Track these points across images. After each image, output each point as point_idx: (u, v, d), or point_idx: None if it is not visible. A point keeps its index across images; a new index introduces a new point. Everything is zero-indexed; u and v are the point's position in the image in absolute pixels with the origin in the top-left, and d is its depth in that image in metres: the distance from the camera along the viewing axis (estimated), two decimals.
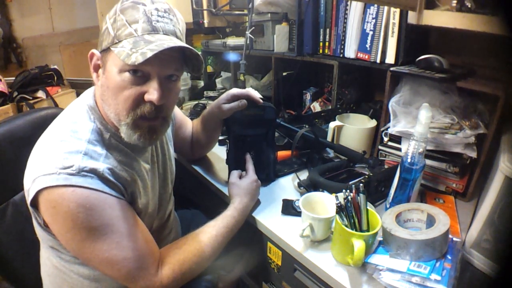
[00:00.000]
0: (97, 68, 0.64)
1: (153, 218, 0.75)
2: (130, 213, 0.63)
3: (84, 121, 0.63)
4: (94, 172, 0.57)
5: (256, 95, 0.88)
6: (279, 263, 0.81)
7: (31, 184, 0.56)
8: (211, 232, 0.71)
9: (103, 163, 0.59)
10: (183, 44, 0.59)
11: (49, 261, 0.71)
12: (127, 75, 0.58)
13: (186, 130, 1.00)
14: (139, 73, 0.59)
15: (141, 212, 0.69)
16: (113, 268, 0.60)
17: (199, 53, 0.62)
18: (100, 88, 0.63)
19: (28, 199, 0.57)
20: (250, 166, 0.85)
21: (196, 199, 0.80)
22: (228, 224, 0.73)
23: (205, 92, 1.77)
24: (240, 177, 0.84)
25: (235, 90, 0.84)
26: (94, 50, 0.63)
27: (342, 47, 1.09)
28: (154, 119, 0.63)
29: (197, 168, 1.06)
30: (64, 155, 0.56)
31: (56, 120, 0.65)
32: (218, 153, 1.15)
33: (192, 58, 0.64)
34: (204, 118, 0.93)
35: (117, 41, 0.58)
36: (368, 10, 0.99)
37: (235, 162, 0.89)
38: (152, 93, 0.59)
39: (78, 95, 0.73)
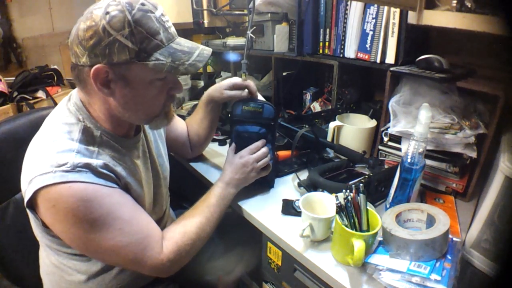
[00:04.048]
0: (107, 83, 0.60)
1: (149, 212, 0.76)
2: (127, 199, 0.64)
3: (73, 121, 0.63)
4: (88, 167, 0.58)
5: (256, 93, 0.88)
6: (279, 263, 0.81)
7: (27, 185, 0.57)
8: (204, 205, 0.77)
9: (96, 159, 0.60)
10: (211, 50, 0.67)
11: (48, 260, 0.72)
12: (158, 83, 0.63)
13: (178, 127, 1.01)
14: (166, 78, 0.64)
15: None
16: (120, 255, 0.61)
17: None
18: (121, 99, 0.62)
19: (25, 200, 0.58)
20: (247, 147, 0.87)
21: (196, 198, 0.81)
22: (220, 195, 0.79)
23: (205, 92, 1.76)
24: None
25: (236, 79, 0.88)
26: (101, 65, 0.57)
27: (342, 47, 1.09)
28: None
29: (196, 167, 1.06)
30: (57, 154, 0.57)
31: (45, 122, 0.66)
32: (218, 153, 1.15)
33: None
34: (204, 102, 0.97)
35: (145, 55, 0.58)
36: (368, 10, 0.99)
37: None
38: (178, 88, 0.68)
39: None
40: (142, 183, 0.72)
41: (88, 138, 0.62)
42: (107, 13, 0.55)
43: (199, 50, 0.63)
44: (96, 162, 0.59)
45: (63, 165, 0.56)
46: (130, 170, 0.68)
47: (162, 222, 0.86)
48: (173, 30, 0.63)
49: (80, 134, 0.61)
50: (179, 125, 1.02)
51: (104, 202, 0.58)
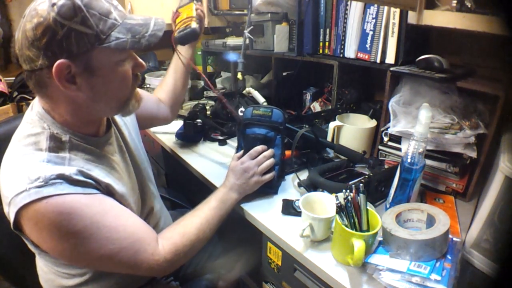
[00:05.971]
0: (72, 78, 0.56)
1: (138, 209, 0.74)
2: (110, 204, 0.61)
3: (38, 130, 0.60)
4: (61, 177, 0.55)
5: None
6: (279, 263, 0.81)
7: (8, 208, 0.55)
8: (205, 207, 0.76)
9: (69, 166, 0.57)
10: (164, 19, 0.65)
11: (45, 267, 0.71)
12: (123, 64, 0.60)
13: (149, 101, 0.98)
14: (128, 58, 0.62)
15: (122, 203, 0.67)
16: (113, 262, 0.60)
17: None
18: (90, 91, 0.59)
19: (11, 224, 0.56)
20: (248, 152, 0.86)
21: (196, 198, 0.81)
22: (221, 199, 0.79)
23: (205, 92, 1.76)
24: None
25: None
26: (62, 61, 0.53)
27: (342, 47, 1.09)
28: None
29: (196, 167, 1.06)
30: (28, 169, 0.55)
31: (12, 137, 0.63)
32: (219, 154, 1.15)
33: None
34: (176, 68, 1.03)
35: (104, 37, 0.55)
36: (368, 10, 0.99)
37: None
38: (141, 65, 0.65)
39: None
40: (124, 179, 0.70)
41: (57, 144, 0.59)
42: (53, 4, 0.51)
43: (153, 20, 0.62)
44: (70, 170, 0.56)
45: (36, 180, 0.53)
46: (108, 169, 0.65)
47: (153, 219, 0.84)
48: (121, 8, 0.60)
49: (47, 142, 0.58)
50: (149, 99, 0.99)
51: (86, 212, 0.56)
